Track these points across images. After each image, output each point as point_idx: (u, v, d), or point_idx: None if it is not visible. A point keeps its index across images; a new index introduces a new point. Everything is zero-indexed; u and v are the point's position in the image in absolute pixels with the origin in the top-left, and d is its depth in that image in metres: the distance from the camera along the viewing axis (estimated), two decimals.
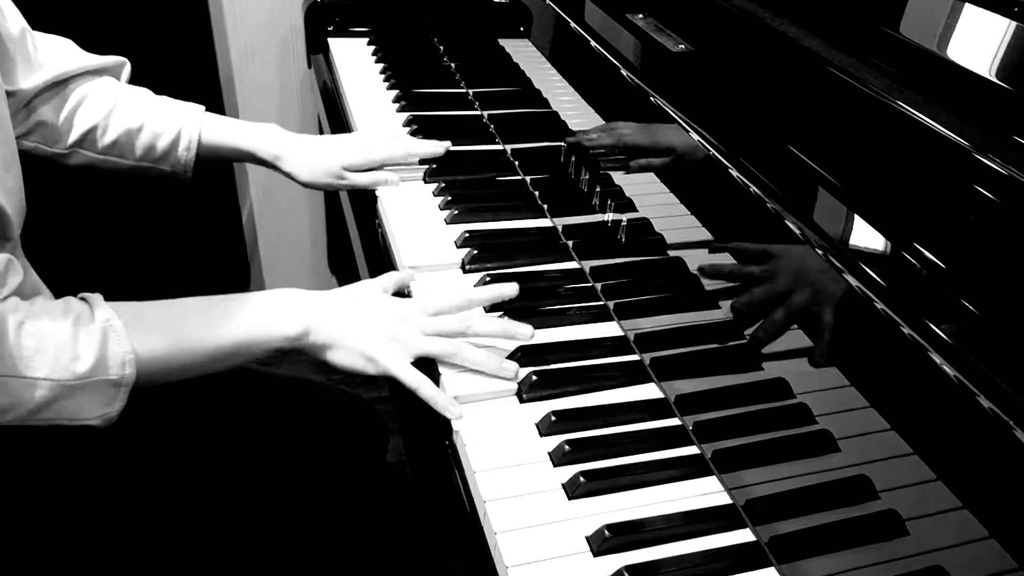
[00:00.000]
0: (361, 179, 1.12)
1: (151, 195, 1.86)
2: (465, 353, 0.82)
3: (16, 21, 0.95)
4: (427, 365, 0.84)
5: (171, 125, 1.06)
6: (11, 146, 0.82)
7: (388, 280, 0.91)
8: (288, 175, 1.12)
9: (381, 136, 1.17)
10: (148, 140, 1.05)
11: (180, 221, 1.89)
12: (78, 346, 0.72)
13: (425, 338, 0.83)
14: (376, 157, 1.14)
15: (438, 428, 0.80)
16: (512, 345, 0.86)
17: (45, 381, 0.71)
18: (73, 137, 1.03)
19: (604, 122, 0.97)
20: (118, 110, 1.04)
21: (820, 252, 0.60)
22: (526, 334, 0.86)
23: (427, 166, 1.18)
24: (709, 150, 0.74)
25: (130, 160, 1.06)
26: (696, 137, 0.76)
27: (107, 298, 0.78)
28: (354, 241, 1.18)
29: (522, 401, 0.81)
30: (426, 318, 0.85)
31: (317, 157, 1.11)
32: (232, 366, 0.82)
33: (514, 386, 0.82)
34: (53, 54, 1.01)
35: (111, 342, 0.73)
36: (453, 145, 1.22)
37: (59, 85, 1.01)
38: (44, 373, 0.70)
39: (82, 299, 0.76)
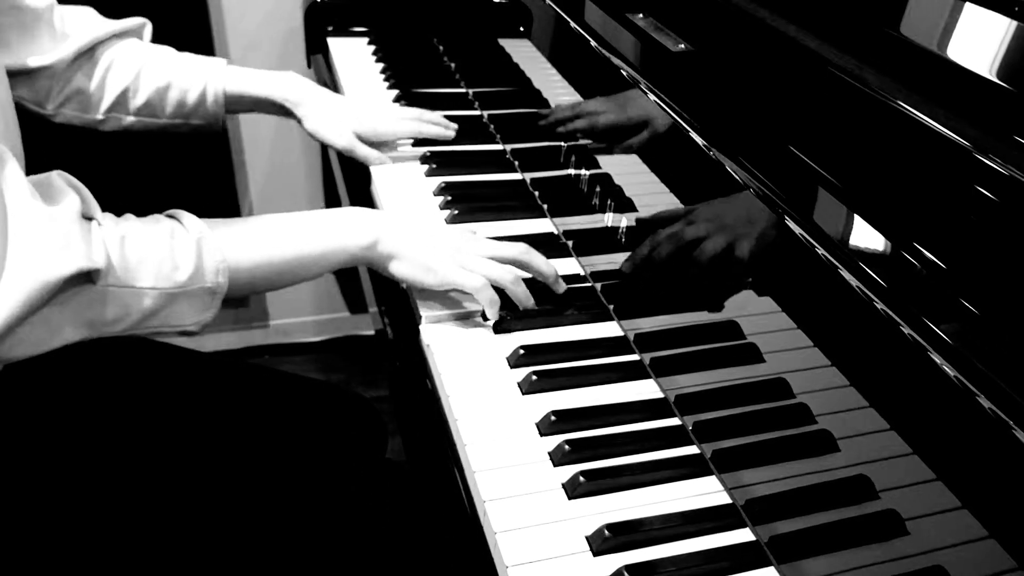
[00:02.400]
0: (361, 151, 1.15)
1: (152, 195, 1.86)
2: (518, 286, 0.89)
3: (37, 1, 0.97)
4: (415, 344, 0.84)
5: (197, 80, 1.10)
6: (15, 134, 0.83)
7: None
8: (300, 121, 1.15)
9: (392, 113, 1.21)
10: (177, 97, 1.10)
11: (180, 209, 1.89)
12: (176, 257, 0.76)
13: (482, 259, 0.89)
14: (384, 131, 1.18)
15: (437, 428, 0.80)
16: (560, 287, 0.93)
17: (151, 290, 0.75)
18: (107, 102, 1.07)
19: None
20: (145, 70, 1.09)
21: (820, 252, 0.60)
22: (562, 287, 0.93)
23: (424, 149, 1.21)
24: (709, 150, 0.74)
25: (163, 119, 1.11)
26: (696, 137, 0.76)
27: None
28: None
29: (522, 399, 0.81)
30: (484, 243, 0.92)
31: (332, 113, 1.15)
32: (313, 276, 0.88)
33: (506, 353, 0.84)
34: (78, 23, 1.04)
35: (205, 252, 0.78)
36: (453, 145, 1.21)
37: (88, 53, 1.05)
38: (149, 283, 0.75)
39: (170, 216, 0.81)
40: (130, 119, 1.10)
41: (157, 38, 1.16)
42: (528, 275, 0.92)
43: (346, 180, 1.25)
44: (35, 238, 0.67)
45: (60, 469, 0.87)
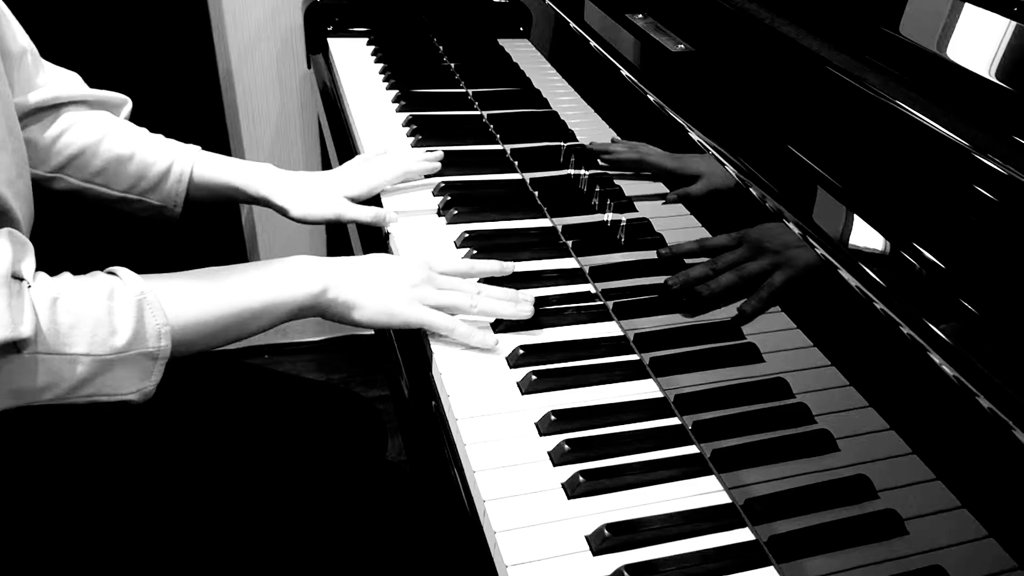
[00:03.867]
0: (363, 214, 1.07)
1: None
2: (483, 304, 0.87)
3: (19, 41, 0.94)
4: (420, 352, 0.84)
5: (163, 157, 1.04)
6: (22, 154, 0.82)
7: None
8: (282, 211, 1.07)
9: (375, 161, 1.13)
10: (137, 170, 1.03)
11: (180, 222, 1.89)
12: (114, 320, 0.72)
13: (440, 291, 0.88)
14: (378, 183, 1.10)
15: (437, 427, 0.80)
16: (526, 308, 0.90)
17: (84, 357, 0.70)
18: (57, 160, 1.00)
19: (604, 122, 0.97)
20: (109, 138, 1.02)
21: (820, 252, 0.60)
22: (527, 310, 0.89)
23: (424, 150, 1.18)
24: (708, 150, 0.74)
25: (116, 191, 1.03)
26: (695, 137, 0.76)
27: None
28: (354, 242, 1.18)
29: (521, 398, 0.81)
30: (438, 275, 0.90)
31: (312, 191, 1.07)
32: (259, 330, 0.84)
33: (503, 360, 0.85)
34: (54, 79, 1.00)
35: (146, 315, 0.74)
36: (453, 145, 1.21)
37: (53, 108, 0.99)
38: (83, 348, 0.70)
39: (110, 272, 0.76)
40: (80, 184, 1.02)
41: (157, 39, 1.15)
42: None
43: None
44: None
45: (60, 469, 0.87)
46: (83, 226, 1.70)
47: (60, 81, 1.01)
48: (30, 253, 0.72)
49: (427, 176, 1.16)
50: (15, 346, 0.67)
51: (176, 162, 1.04)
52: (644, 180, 0.89)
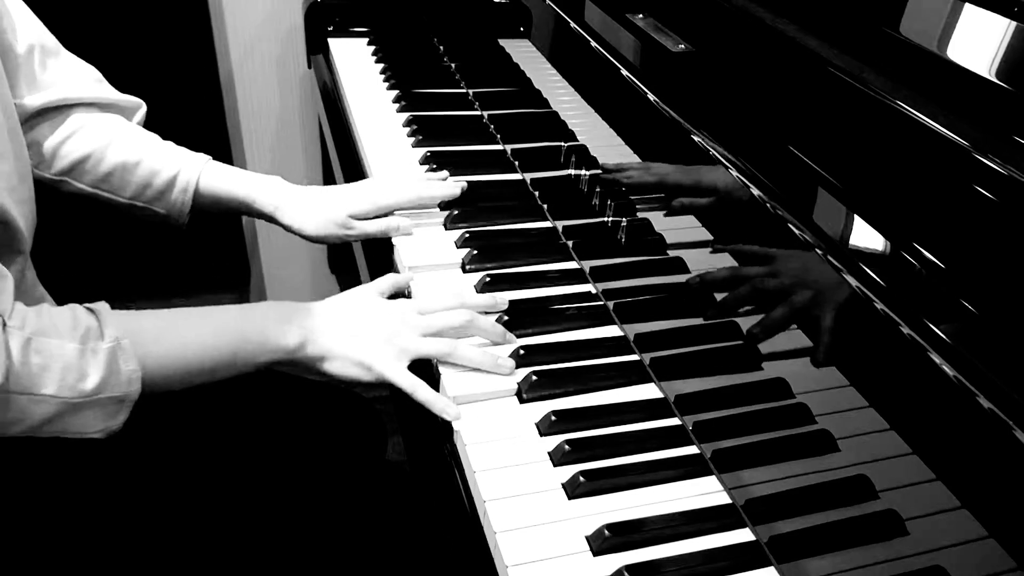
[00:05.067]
0: (370, 227, 1.04)
1: None
2: (461, 352, 0.83)
3: (25, 38, 0.93)
4: (426, 367, 0.84)
5: (170, 165, 1.02)
6: (25, 159, 0.82)
7: (384, 283, 0.92)
8: (288, 228, 1.06)
9: (391, 180, 1.10)
10: (144, 178, 1.01)
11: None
12: (85, 365, 0.72)
13: (421, 340, 0.84)
14: (385, 203, 1.06)
15: (438, 429, 0.80)
16: (507, 350, 0.86)
17: (52, 398, 0.71)
18: (62, 164, 0.99)
19: (604, 122, 0.97)
20: (116, 144, 1.00)
21: (820, 252, 0.60)
22: (507, 368, 0.84)
23: (424, 150, 1.18)
24: (709, 150, 0.74)
25: (123, 197, 1.03)
26: (696, 137, 0.76)
27: (107, 299, 0.78)
28: (357, 252, 1.18)
29: (522, 401, 0.81)
30: (423, 318, 0.85)
31: (319, 207, 1.04)
32: (229, 376, 0.83)
33: (513, 384, 0.82)
34: (64, 77, 0.98)
35: (120, 361, 0.74)
36: (453, 145, 1.21)
37: (60, 110, 0.98)
38: (51, 391, 0.71)
39: (89, 310, 0.76)
40: (87, 188, 1.01)
41: (157, 39, 1.14)
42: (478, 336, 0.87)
43: (344, 174, 1.26)
44: None
45: (60, 471, 0.87)
46: (86, 226, 1.70)
47: (72, 79, 0.99)
48: (7, 287, 0.72)
49: (431, 170, 1.16)
50: None
51: (182, 172, 1.02)
52: (650, 189, 0.89)
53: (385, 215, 1.06)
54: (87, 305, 0.76)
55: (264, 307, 0.85)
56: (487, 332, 0.86)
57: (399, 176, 1.12)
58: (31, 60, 0.94)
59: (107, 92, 1.03)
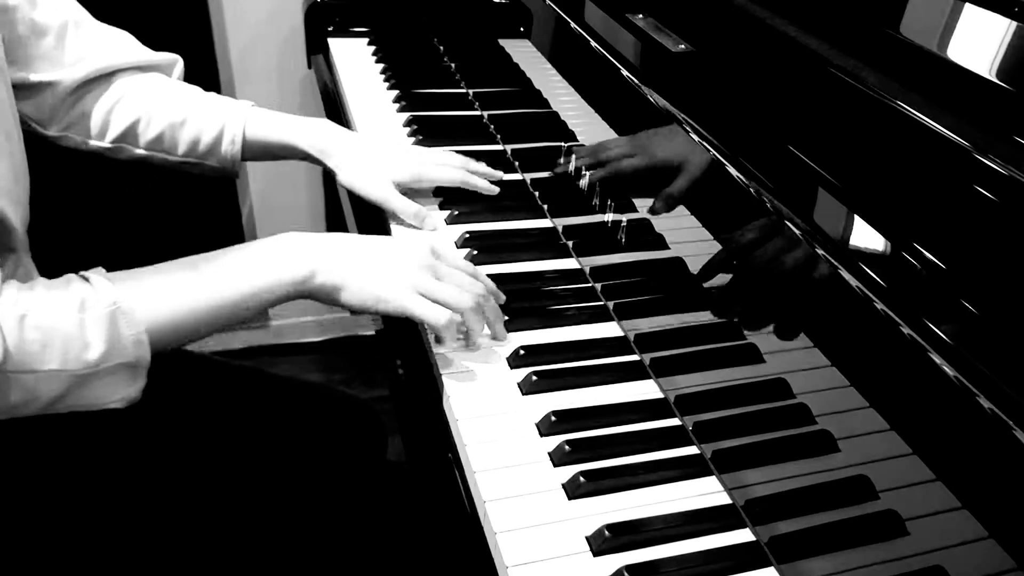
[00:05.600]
0: (407, 209, 1.03)
1: (152, 195, 1.86)
2: (476, 316, 0.82)
3: (59, 15, 0.94)
4: (424, 363, 0.84)
5: (215, 120, 1.03)
6: (20, 157, 0.82)
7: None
8: (332, 172, 1.06)
9: (439, 156, 1.09)
10: (192, 135, 1.03)
11: (180, 221, 1.89)
12: (86, 334, 0.69)
13: (435, 282, 0.82)
14: (429, 178, 1.06)
15: (437, 428, 0.80)
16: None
17: (59, 372, 0.68)
18: (115, 132, 1.01)
19: (604, 122, 0.97)
20: (162, 105, 1.02)
21: (820, 252, 0.60)
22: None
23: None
24: (709, 150, 0.74)
25: (175, 156, 1.04)
26: (696, 137, 0.76)
27: None
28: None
29: (522, 401, 0.81)
30: (438, 263, 0.85)
31: (366, 161, 1.04)
32: (243, 319, 0.80)
33: (506, 365, 0.83)
34: (100, 46, 0.99)
35: (120, 325, 0.71)
36: (454, 145, 1.21)
37: (103, 79, 1.00)
38: (55, 366, 0.68)
39: (83, 278, 0.74)
40: (139, 152, 1.03)
41: (157, 39, 1.15)
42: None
43: None
44: None
45: (55, 474, 0.87)
46: (84, 221, 1.70)
47: (110, 47, 1.01)
48: None
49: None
50: None
51: (228, 124, 1.04)
52: (644, 180, 0.89)
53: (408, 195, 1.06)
54: (82, 273, 0.74)
55: (269, 241, 0.82)
56: (492, 311, 0.85)
57: (444, 154, 1.10)
58: (65, 34, 0.95)
59: (145, 54, 1.05)
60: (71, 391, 0.70)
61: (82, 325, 0.69)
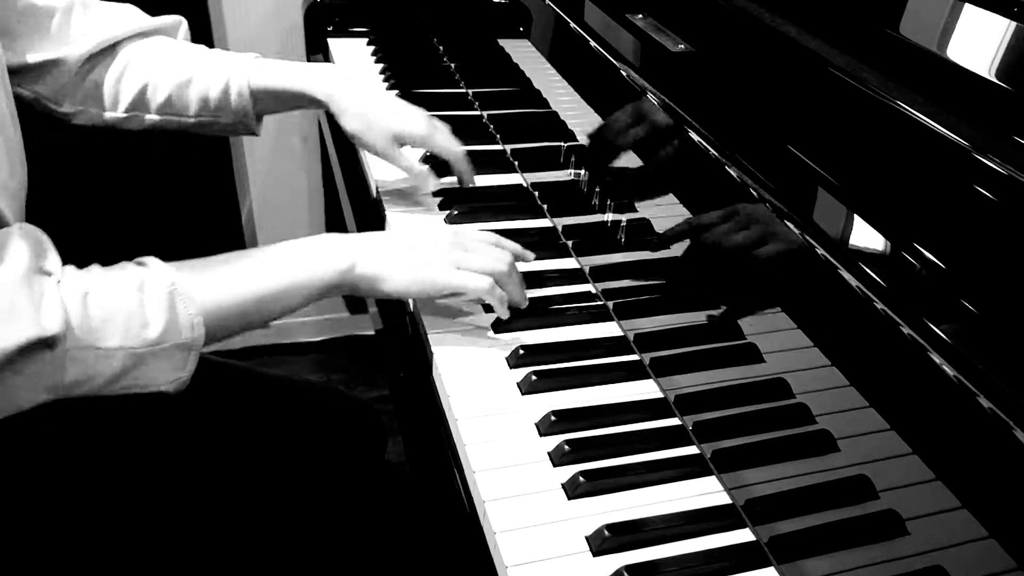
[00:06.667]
0: (403, 162, 1.04)
1: (152, 195, 1.86)
2: (511, 277, 0.86)
3: None
4: (420, 360, 0.84)
5: (219, 74, 1.03)
6: (17, 154, 0.82)
7: None
8: (337, 117, 1.04)
9: (447, 128, 1.08)
10: (199, 93, 1.02)
11: (180, 221, 1.89)
12: (146, 312, 0.71)
13: (470, 252, 0.85)
14: (432, 144, 1.06)
15: (437, 428, 0.80)
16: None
17: (118, 351, 0.69)
18: (126, 100, 1.01)
19: (604, 122, 0.97)
20: (166, 67, 1.02)
21: (820, 252, 0.60)
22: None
23: (427, 165, 1.17)
24: (709, 150, 0.74)
25: (189, 117, 1.04)
26: (696, 137, 0.76)
27: None
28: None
29: (522, 401, 0.81)
30: (466, 239, 0.87)
31: (373, 110, 1.03)
32: (288, 311, 0.82)
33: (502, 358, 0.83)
34: (103, 21, 1.00)
35: (178, 306, 0.73)
36: None
37: (109, 50, 1.00)
38: (116, 342, 0.69)
39: (138, 263, 0.75)
40: (153, 117, 1.03)
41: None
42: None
43: (344, 172, 1.26)
44: None
45: (57, 471, 0.87)
46: (81, 217, 1.70)
47: (109, 18, 1.01)
48: (52, 247, 0.71)
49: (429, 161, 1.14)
50: (46, 343, 0.65)
51: (232, 77, 1.03)
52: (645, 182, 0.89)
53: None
54: (135, 260, 0.76)
55: (308, 239, 0.85)
56: (516, 288, 0.88)
57: (442, 123, 1.10)
58: (71, 13, 0.96)
59: (148, 19, 1.05)
60: (127, 371, 0.71)
61: (142, 304, 0.71)
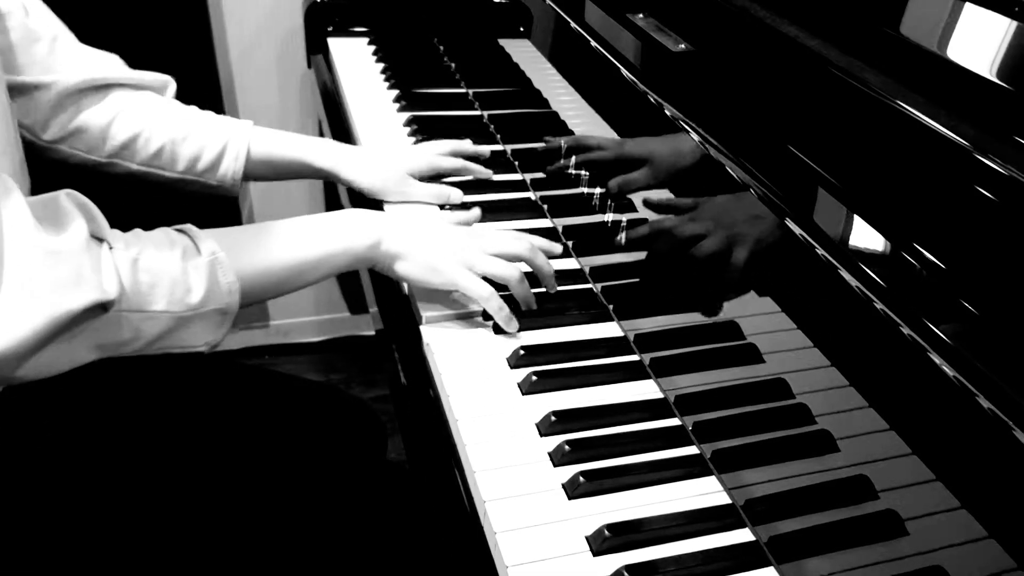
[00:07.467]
0: (426, 192, 1.09)
1: (152, 195, 1.86)
2: (522, 285, 0.89)
3: (50, 28, 0.96)
4: (417, 357, 0.84)
5: (218, 136, 1.05)
6: (17, 157, 0.82)
7: (452, 216, 1.02)
8: (349, 183, 1.09)
9: (436, 147, 1.14)
10: (193, 151, 1.04)
11: (180, 221, 1.89)
12: (189, 280, 0.76)
13: (488, 257, 0.89)
14: (440, 166, 1.12)
15: (438, 428, 0.80)
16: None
17: (163, 314, 0.74)
18: (112, 146, 1.02)
19: (604, 122, 0.97)
20: (162, 121, 1.03)
21: (820, 252, 0.60)
22: (554, 287, 0.94)
23: None
24: (709, 150, 0.74)
25: (173, 172, 1.05)
26: (696, 137, 0.76)
27: None
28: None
29: (522, 401, 0.81)
30: (487, 239, 0.91)
31: (379, 162, 1.09)
32: (315, 280, 0.87)
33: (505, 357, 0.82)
34: (92, 59, 1.01)
35: (218, 274, 0.78)
36: None
37: (98, 90, 1.01)
38: (162, 306, 0.74)
39: (179, 231, 0.80)
40: (135, 167, 1.04)
41: (156, 38, 1.15)
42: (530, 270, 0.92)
43: None
44: (44, 275, 0.66)
45: (58, 470, 0.87)
46: None
47: (103, 62, 1.02)
48: (99, 213, 0.75)
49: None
50: (103, 306, 0.70)
51: (232, 140, 1.06)
52: (643, 178, 0.89)
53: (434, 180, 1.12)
54: (176, 227, 0.80)
55: (342, 213, 0.90)
56: (543, 269, 0.92)
57: (438, 144, 1.16)
58: (56, 44, 0.97)
59: (139, 73, 1.06)
60: (169, 332, 0.76)
61: (185, 272, 0.76)
